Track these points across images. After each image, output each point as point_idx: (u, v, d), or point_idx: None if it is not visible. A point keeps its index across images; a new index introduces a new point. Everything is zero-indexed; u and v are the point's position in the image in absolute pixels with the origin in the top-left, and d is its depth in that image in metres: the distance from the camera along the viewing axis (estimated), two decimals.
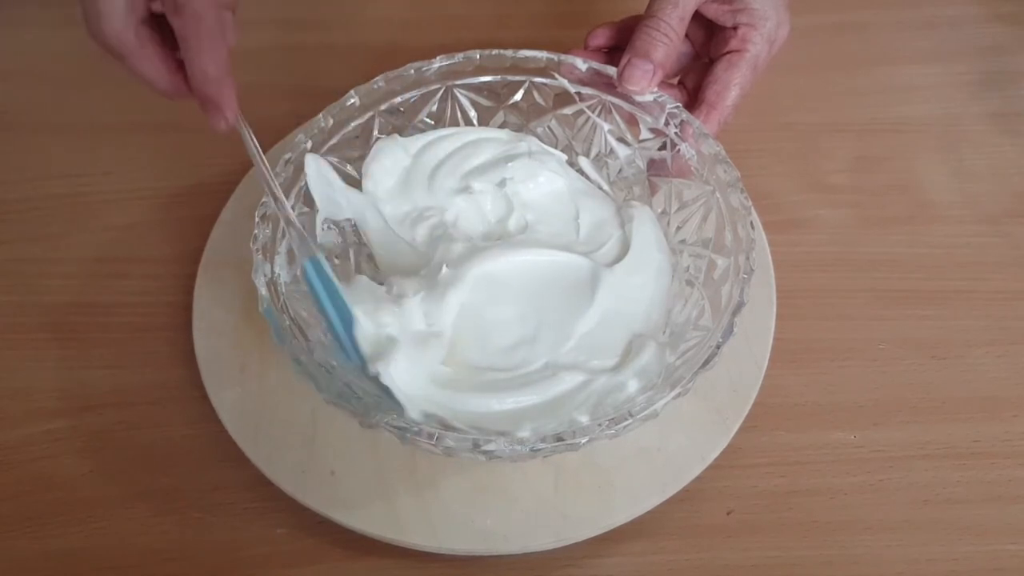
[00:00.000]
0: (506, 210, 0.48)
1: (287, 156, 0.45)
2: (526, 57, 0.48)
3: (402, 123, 0.50)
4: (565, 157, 0.51)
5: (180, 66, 0.40)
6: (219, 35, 0.39)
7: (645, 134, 0.48)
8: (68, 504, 0.45)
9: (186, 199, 0.56)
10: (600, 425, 0.37)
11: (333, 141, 0.47)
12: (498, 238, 0.47)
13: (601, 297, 0.44)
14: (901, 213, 0.56)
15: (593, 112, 0.50)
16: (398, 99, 0.49)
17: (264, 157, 0.42)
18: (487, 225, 0.48)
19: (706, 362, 0.39)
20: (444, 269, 0.43)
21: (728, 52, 0.48)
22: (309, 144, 0.46)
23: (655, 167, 0.49)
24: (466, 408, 0.39)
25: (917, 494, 0.45)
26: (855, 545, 0.44)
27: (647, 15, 0.47)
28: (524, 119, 0.52)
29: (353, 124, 0.48)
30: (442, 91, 0.50)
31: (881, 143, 0.59)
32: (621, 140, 0.50)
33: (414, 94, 0.49)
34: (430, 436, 0.37)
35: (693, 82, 0.50)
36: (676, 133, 0.47)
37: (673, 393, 0.38)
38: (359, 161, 0.48)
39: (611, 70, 0.47)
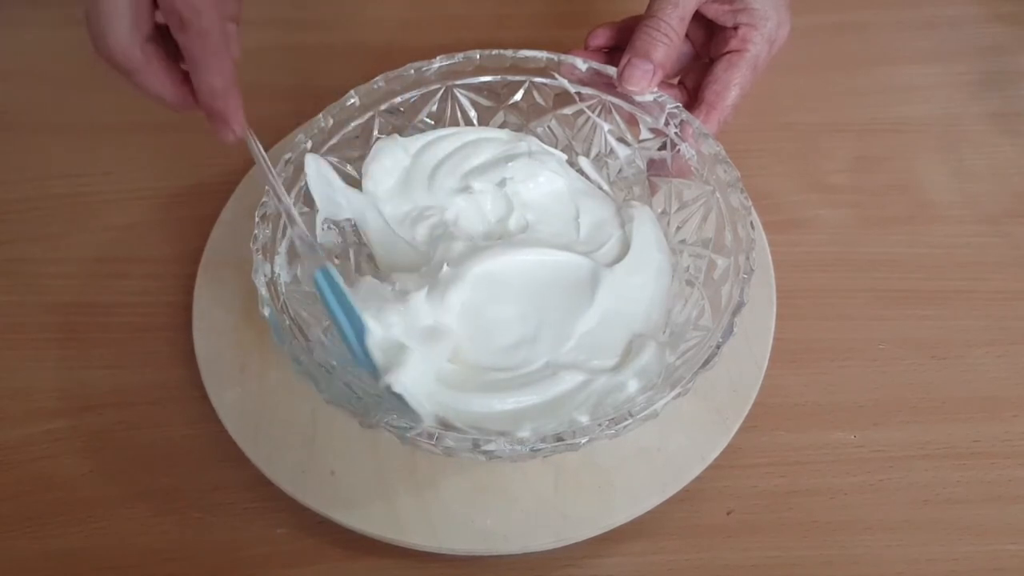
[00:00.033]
0: (506, 210, 0.48)
1: (287, 156, 0.45)
2: (526, 57, 0.48)
3: (402, 123, 0.50)
4: (565, 157, 0.51)
5: (186, 78, 0.40)
6: (224, 50, 0.39)
7: (645, 134, 0.48)
8: (68, 504, 0.45)
9: (186, 199, 0.56)
10: (600, 425, 0.37)
11: (333, 141, 0.47)
12: (498, 238, 0.47)
13: (601, 297, 0.44)
14: (901, 213, 0.56)
15: (593, 112, 0.50)
16: (398, 99, 0.49)
17: (273, 169, 0.42)
18: (487, 225, 0.48)
19: (706, 362, 0.39)
20: (445, 268, 0.43)
21: (728, 52, 0.48)
22: (309, 144, 0.46)
23: (655, 167, 0.49)
24: (469, 408, 0.39)
25: (917, 494, 0.45)
26: (855, 545, 0.44)
27: (647, 15, 0.47)
28: (524, 119, 0.52)
29: (353, 124, 0.48)
30: (442, 91, 0.50)
31: (881, 143, 0.59)
32: (621, 140, 0.50)
33: (414, 94, 0.49)
34: (430, 436, 0.37)
35: (693, 82, 0.50)
36: (676, 133, 0.47)
37: (673, 393, 0.38)
38: (359, 161, 0.48)
39: (611, 70, 0.47)
